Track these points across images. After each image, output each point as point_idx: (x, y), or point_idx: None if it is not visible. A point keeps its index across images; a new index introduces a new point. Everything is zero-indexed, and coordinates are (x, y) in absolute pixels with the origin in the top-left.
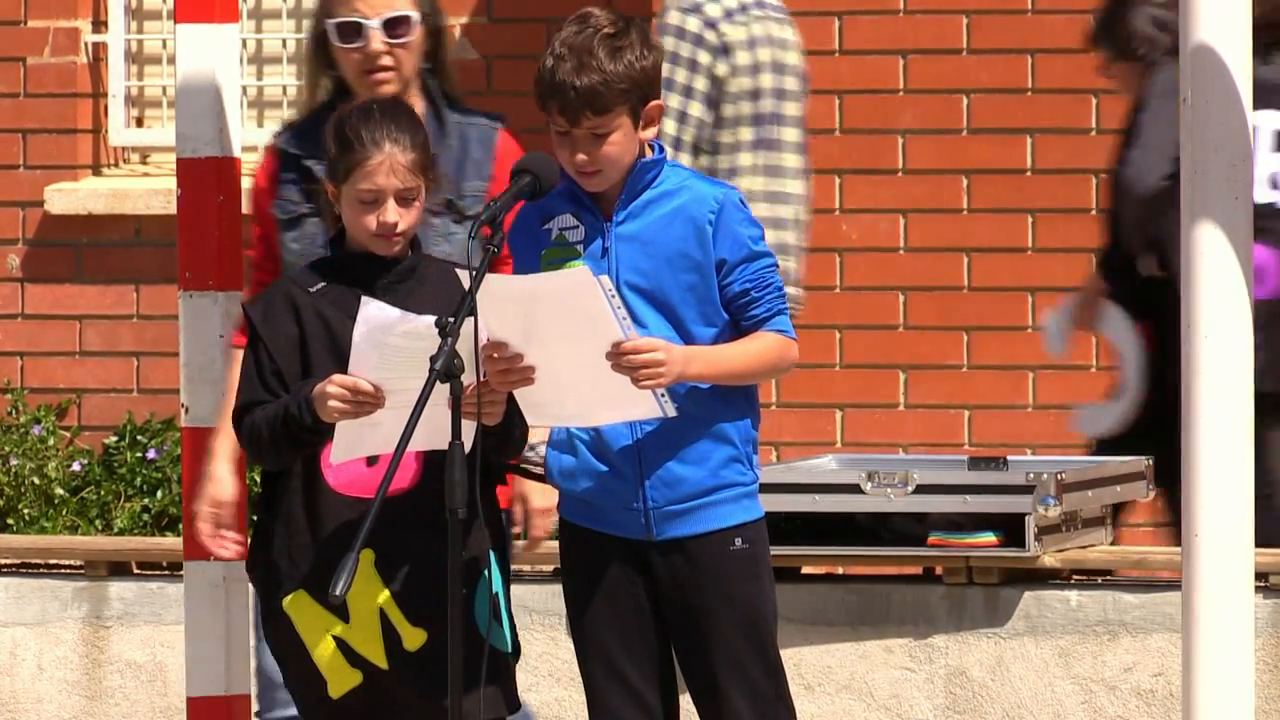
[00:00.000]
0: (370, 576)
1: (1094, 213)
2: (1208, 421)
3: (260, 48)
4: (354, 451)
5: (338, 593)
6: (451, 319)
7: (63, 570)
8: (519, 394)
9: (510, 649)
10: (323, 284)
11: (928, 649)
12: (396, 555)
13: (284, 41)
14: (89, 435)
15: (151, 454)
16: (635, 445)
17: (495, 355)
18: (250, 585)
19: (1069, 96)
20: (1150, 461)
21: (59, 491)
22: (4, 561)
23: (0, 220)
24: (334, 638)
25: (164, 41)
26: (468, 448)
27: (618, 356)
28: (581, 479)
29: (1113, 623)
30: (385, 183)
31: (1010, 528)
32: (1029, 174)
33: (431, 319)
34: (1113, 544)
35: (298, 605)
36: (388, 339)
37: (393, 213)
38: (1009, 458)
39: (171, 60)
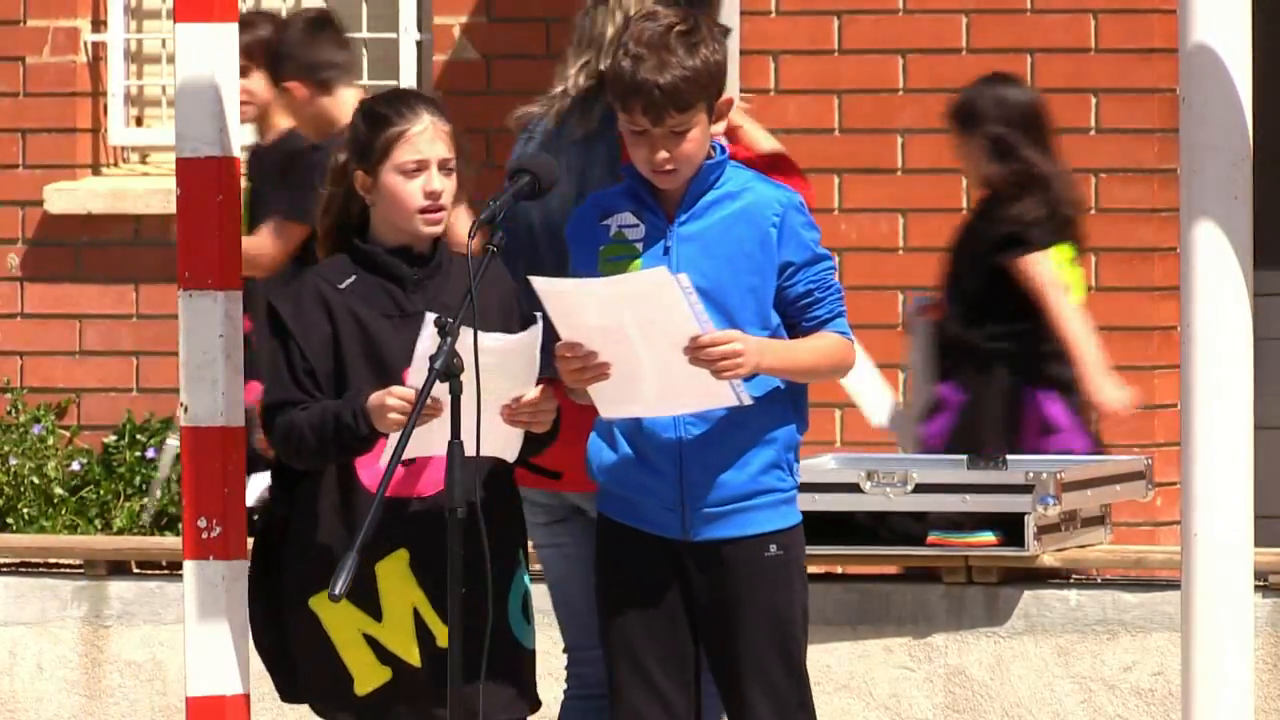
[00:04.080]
0: (405, 577)
1: (1094, 212)
2: (1206, 421)
3: None
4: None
5: (337, 592)
6: (450, 319)
7: (62, 570)
8: (594, 391)
9: (533, 646)
10: (352, 278)
11: (927, 648)
12: (431, 556)
13: None
14: (88, 435)
15: (151, 453)
16: (677, 446)
17: (568, 355)
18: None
19: (1069, 96)
20: (1149, 461)
21: (58, 491)
22: (4, 561)
23: (0, 220)
24: (365, 635)
25: (163, 41)
26: (514, 455)
27: (696, 350)
28: (621, 475)
29: (1112, 622)
30: (430, 150)
31: (1009, 527)
32: None
33: (532, 332)
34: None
35: (328, 604)
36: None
37: (439, 180)
38: (1008, 457)
39: (171, 59)
